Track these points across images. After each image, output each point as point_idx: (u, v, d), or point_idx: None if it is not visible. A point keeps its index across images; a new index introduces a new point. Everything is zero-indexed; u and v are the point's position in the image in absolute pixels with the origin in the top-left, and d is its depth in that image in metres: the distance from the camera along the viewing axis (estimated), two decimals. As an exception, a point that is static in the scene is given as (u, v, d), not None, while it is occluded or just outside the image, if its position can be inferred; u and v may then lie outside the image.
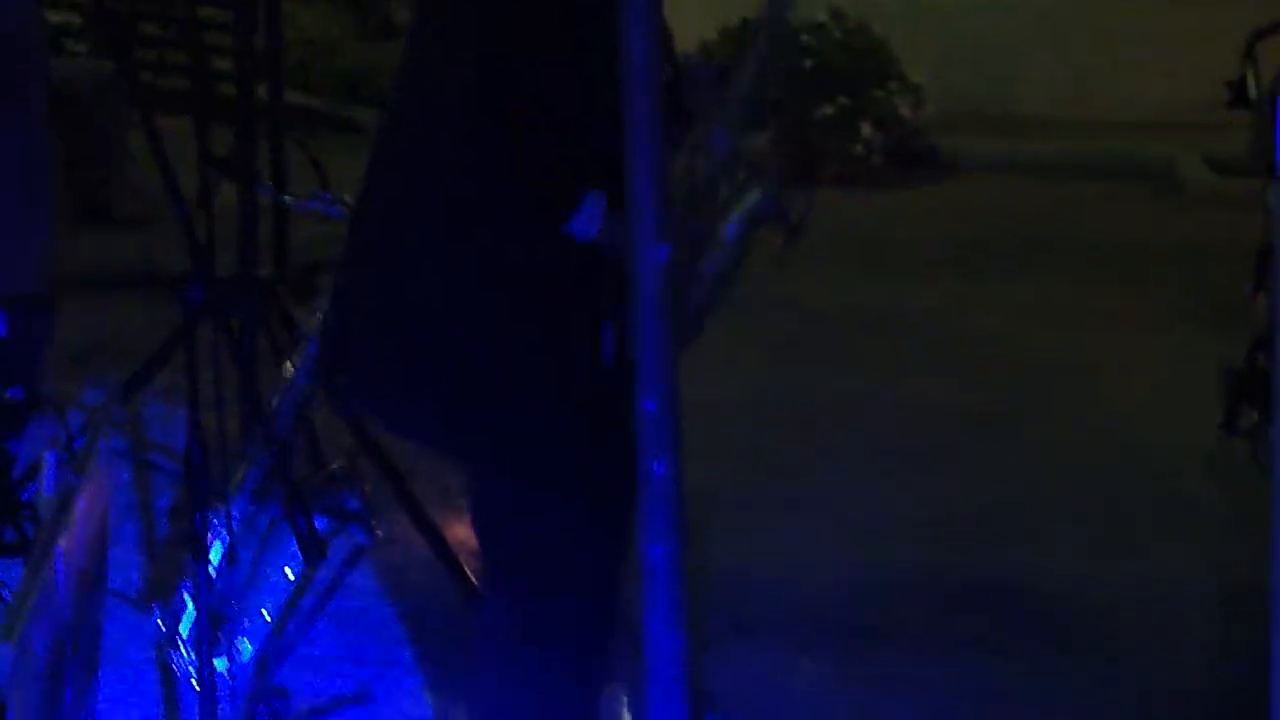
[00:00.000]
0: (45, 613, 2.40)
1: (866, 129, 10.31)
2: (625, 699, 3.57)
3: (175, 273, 5.32)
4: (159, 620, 3.74)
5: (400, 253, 3.15)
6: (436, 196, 3.11)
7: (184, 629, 3.66)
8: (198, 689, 3.31)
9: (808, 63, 10.37)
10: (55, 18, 7.79)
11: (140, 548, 4.86)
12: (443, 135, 3.09)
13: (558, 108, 3.02)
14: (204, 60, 6.74)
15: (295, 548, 3.45)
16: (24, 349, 3.94)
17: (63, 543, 2.53)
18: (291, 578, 3.62)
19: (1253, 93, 5.39)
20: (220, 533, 3.55)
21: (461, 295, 3.09)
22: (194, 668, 3.49)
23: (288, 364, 3.96)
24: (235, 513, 3.68)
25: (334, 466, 3.69)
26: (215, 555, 3.48)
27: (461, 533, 4.36)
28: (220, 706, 3.35)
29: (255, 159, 4.99)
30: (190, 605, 3.58)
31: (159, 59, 7.95)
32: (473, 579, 4.21)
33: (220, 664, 3.47)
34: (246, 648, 3.59)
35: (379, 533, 3.78)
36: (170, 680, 3.98)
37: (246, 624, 3.60)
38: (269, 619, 3.62)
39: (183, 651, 3.67)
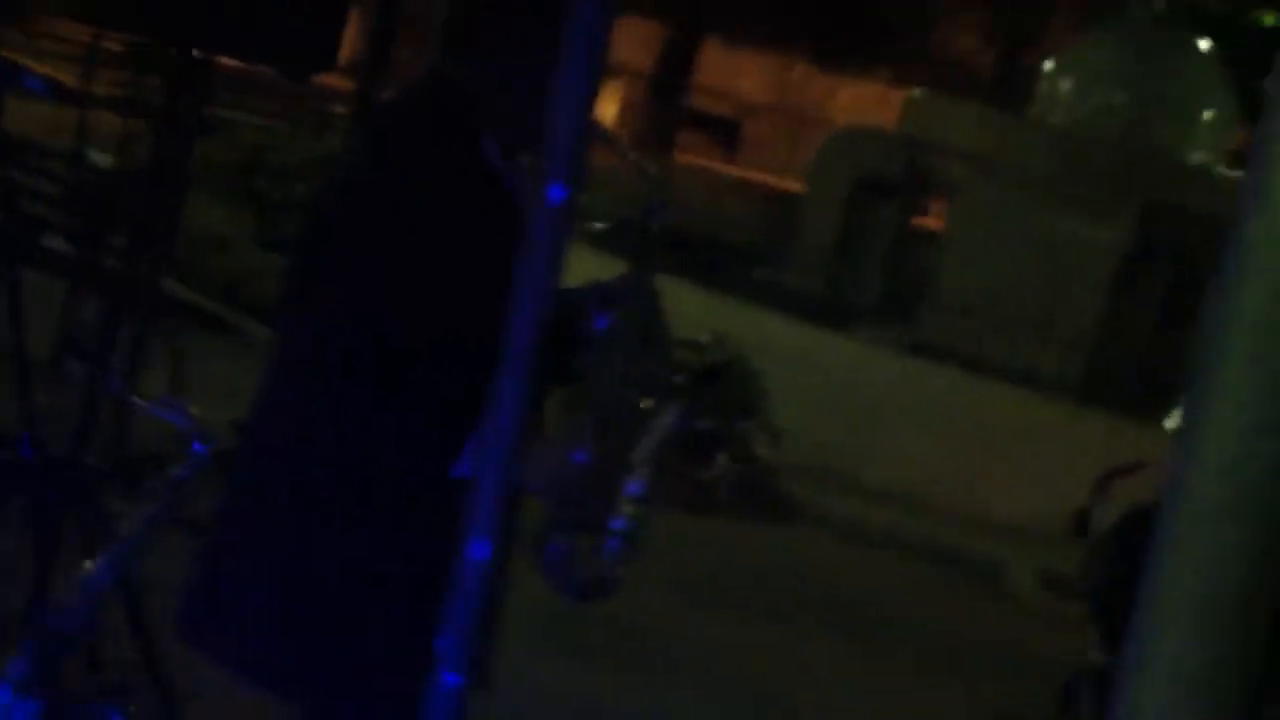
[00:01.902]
0: None
1: (722, 459, 10.37)
2: None
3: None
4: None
5: (276, 492, 3.12)
6: (316, 438, 3.08)
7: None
8: None
9: (678, 378, 10.44)
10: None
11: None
12: (324, 379, 3.07)
13: (445, 348, 3.00)
14: (96, 229, 6.69)
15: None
16: None
17: None
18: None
19: (1095, 527, 5.51)
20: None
21: (336, 540, 3.07)
22: None
23: (88, 562, 3.83)
24: (-6, 701, 3.54)
25: (109, 678, 3.57)
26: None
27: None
28: None
29: (113, 345, 4.91)
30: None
31: (46, 218, 7.89)
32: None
33: None
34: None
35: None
36: None
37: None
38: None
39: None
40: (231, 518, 3.29)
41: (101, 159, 6.78)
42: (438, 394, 3.03)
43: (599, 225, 12.63)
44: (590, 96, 2.39)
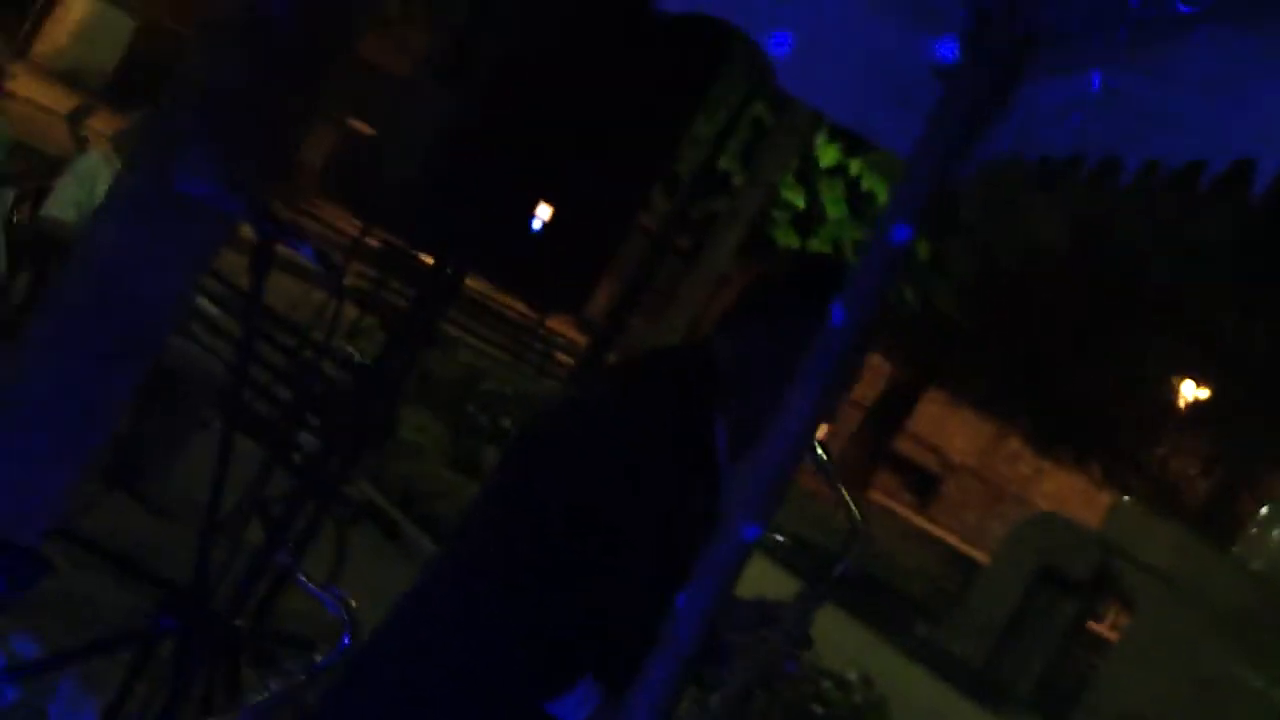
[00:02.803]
0: None
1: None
2: None
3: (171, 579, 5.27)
4: None
5: (397, 665, 3.13)
6: (442, 629, 3.08)
7: None
8: None
9: (819, 709, 10.31)
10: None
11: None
12: (471, 574, 3.07)
13: (588, 589, 2.98)
14: (308, 410, 6.82)
15: None
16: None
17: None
18: None
19: None
20: None
21: None
22: None
23: (211, 722, 3.86)
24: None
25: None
26: None
27: None
28: None
29: (292, 522, 4.98)
30: None
31: (266, 386, 8.07)
32: None
33: None
34: None
35: None
36: None
37: None
38: None
39: None
40: (351, 685, 3.27)
41: (337, 346, 6.93)
42: (573, 654, 3.01)
43: (778, 538, 12.59)
44: (811, 430, 2.36)
